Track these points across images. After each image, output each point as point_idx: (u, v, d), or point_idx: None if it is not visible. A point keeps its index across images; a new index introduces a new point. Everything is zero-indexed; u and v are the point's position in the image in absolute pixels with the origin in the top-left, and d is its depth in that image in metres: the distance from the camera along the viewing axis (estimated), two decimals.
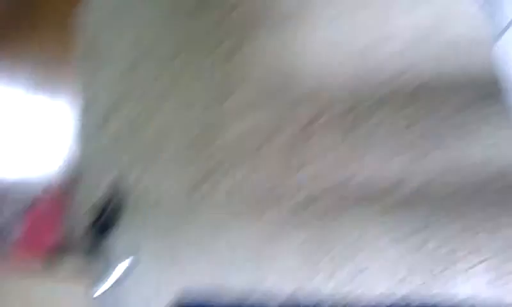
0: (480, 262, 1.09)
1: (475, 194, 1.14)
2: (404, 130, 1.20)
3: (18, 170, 2.26)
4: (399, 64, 1.23)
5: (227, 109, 1.42)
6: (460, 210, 1.12)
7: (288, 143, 1.32)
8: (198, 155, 1.47)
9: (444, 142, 1.16)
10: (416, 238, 1.14)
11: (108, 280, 1.53)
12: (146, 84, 1.62)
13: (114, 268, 1.57)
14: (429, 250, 1.11)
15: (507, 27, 1.20)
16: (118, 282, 1.56)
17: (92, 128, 1.76)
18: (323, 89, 1.26)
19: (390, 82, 1.21)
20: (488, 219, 1.11)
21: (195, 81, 1.51)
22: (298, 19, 1.35)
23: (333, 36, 1.31)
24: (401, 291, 1.09)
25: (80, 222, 1.67)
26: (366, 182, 1.20)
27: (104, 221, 1.61)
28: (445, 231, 1.10)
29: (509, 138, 1.16)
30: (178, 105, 1.52)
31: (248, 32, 1.42)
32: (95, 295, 1.45)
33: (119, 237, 1.61)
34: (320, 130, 1.29)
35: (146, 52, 1.64)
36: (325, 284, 1.18)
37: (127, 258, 1.57)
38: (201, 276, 1.41)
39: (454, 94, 1.18)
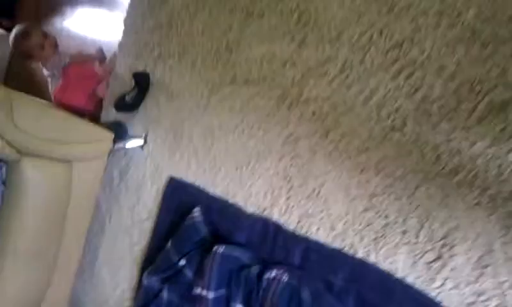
0: None
1: None
2: None
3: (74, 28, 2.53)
4: None
5: (251, 32, 1.51)
6: None
7: (297, 75, 1.39)
8: (221, 65, 1.60)
9: None
10: None
11: (123, 145, 1.79)
12: None
13: (129, 139, 1.82)
14: None
15: None
16: (128, 150, 1.82)
17: (138, 12, 1.92)
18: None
19: None
20: None
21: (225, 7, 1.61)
22: None
23: None
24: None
25: (110, 98, 1.91)
26: None
27: (129, 100, 1.83)
28: None
29: None
30: (210, 19, 1.63)
31: None
32: (113, 148, 1.72)
33: (137, 117, 1.83)
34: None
35: None
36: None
37: (140, 135, 1.80)
38: (189, 173, 1.61)
39: None
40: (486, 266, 1.02)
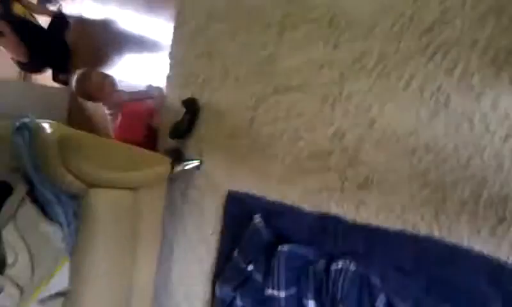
0: None
1: None
2: None
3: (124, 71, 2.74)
4: None
5: (287, 43, 1.61)
6: None
7: (335, 75, 1.46)
8: (262, 78, 1.70)
9: None
10: None
11: (181, 167, 1.92)
12: (224, 22, 1.88)
13: (186, 161, 1.94)
14: None
15: None
16: (186, 172, 1.94)
17: (181, 46, 2.08)
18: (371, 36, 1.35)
19: None
20: None
21: (259, 20, 1.72)
22: None
23: None
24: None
25: (164, 127, 2.06)
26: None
27: (182, 126, 1.96)
28: None
29: None
30: (248, 38, 1.76)
31: None
32: (173, 171, 1.87)
33: (192, 140, 1.96)
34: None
35: None
36: None
37: (195, 158, 1.92)
38: (245, 184, 1.70)
39: None
40: None
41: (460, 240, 1.13)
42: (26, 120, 1.62)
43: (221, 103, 1.87)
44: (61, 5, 3.57)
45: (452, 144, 1.16)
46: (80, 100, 2.26)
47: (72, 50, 3.35)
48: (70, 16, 3.44)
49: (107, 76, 2.13)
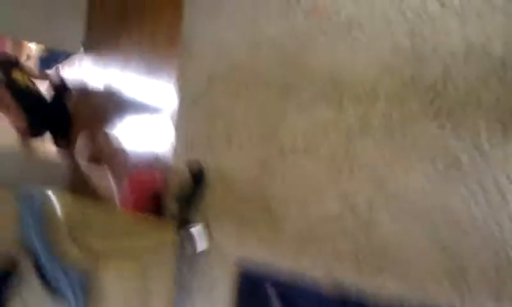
0: None
1: None
2: None
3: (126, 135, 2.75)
4: None
5: (290, 105, 1.64)
6: None
7: (343, 138, 1.49)
8: (267, 140, 1.72)
9: None
10: None
11: (187, 234, 1.89)
12: (225, 83, 1.93)
13: (193, 228, 1.92)
14: None
15: None
16: (194, 241, 1.91)
17: (183, 111, 2.11)
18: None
19: None
20: None
21: (261, 83, 1.76)
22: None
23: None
24: None
25: (170, 193, 2.06)
26: None
27: (187, 193, 1.96)
28: None
29: None
30: (251, 102, 1.79)
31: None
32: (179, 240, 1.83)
33: (198, 206, 1.95)
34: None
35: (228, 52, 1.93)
36: None
37: (203, 226, 1.90)
38: (255, 250, 1.68)
39: None
40: None
41: None
42: (33, 191, 1.62)
43: (226, 167, 1.87)
44: (58, 68, 3.64)
45: (466, 208, 1.16)
46: (84, 163, 2.25)
47: (72, 114, 3.39)
48: (69, 81, 3.51)
49: (112, 137, 2.14)
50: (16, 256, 1.63)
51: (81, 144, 2.09)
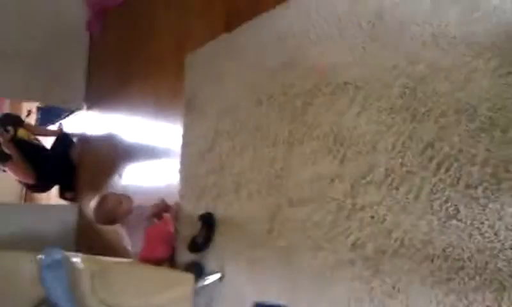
0: None
1: None
2: None
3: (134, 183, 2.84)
4: None
5: (295, 158, 1.76)
6: None
7: (347, 188, 1.61)
8: (275, 191, 1.83)
9: None
10: None
11: (203, 282, 1.97)
12: (233, 130, 2.04)
13: (208, 275, 2.01)
14: None
15: None
16: (209, 286, 1.99)
17: (191, 163, 2.22)
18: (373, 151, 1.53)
19: None
20: None
21: (266, 137, 1.89)
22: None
23: None
24: None
25: (182, 240, 2.15)
26: None
27: (199, 240, 2.05)
28: None
29: None
30: (256, 155, 1.91)
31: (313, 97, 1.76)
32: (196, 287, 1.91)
33: (210, 253, 2.04)
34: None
35: (232, 108, 2.06)
36: None
37: (217, 272, 1.99)
38: (271, 295, 1.76)
39: None
40: None
41: None
42: (57, 256, 1.70)
43: (236, 215, 1.97)
44: (61, 124, 3.75)
45: (467, 251, 1.28)
46: (100, 225, 2.32)
47: (77, 166, 3.47)
48: (73, 134, 3.61)
49: (123, 196, 2.23)
50: None
51: (95, 208, 2.15)
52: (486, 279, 1.23)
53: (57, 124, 3.76)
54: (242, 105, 2.05)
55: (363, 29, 1.64)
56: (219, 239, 2.03)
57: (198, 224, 2.08)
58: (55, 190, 3.47)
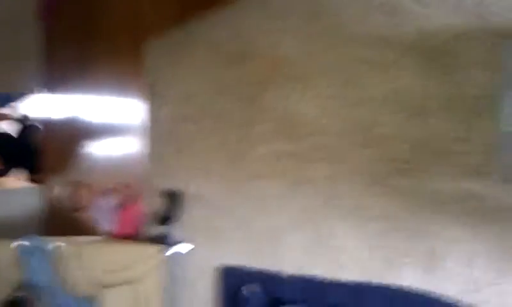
0: None
1: None
2: None
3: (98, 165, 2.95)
4: None
5: (254, 138, 1.99)
6: None
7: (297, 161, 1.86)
8: (236, 169, 2.05)
9: None
10: None
11: (170, 251, 2.18)
12: (197, 115, 2.23)
13: (174, 245, 2.22)
14: None
15: None
16: (176, 255, 2.20)
17: (157, 144, 2.38)
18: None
19: None
20: None
21: (231, 117, 2.09)
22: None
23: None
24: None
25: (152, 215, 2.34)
26: None
27: (166, 214, 2.25)
28: None
29: None
30: (222, 137, 2.12)
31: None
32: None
33: (177, 225, 2.25)
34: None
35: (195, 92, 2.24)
36: None
37: (183, 240, 2.20)
38: (235, 257, 2.01)
39: None
40: None
41: None
42: (34, 242, 1.87)
43: (201, 190, 2.18)
44: (15, 106, 3.73)
45: None
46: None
47: (40, 149, 3.51)
48: (32, 118, 3.62)
49: (82, 183, 2.35)
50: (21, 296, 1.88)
51: (66, 199, 2.26)
52: None
53: (11, 107, 3.73)
54: (204, 94, 2.23)
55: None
56: (186, 212, 2.23)
57: (164, 200, 2.27)
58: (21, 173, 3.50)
